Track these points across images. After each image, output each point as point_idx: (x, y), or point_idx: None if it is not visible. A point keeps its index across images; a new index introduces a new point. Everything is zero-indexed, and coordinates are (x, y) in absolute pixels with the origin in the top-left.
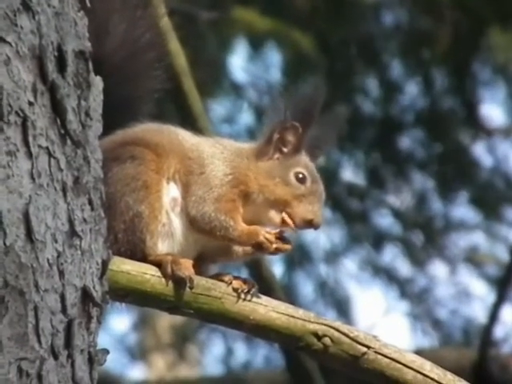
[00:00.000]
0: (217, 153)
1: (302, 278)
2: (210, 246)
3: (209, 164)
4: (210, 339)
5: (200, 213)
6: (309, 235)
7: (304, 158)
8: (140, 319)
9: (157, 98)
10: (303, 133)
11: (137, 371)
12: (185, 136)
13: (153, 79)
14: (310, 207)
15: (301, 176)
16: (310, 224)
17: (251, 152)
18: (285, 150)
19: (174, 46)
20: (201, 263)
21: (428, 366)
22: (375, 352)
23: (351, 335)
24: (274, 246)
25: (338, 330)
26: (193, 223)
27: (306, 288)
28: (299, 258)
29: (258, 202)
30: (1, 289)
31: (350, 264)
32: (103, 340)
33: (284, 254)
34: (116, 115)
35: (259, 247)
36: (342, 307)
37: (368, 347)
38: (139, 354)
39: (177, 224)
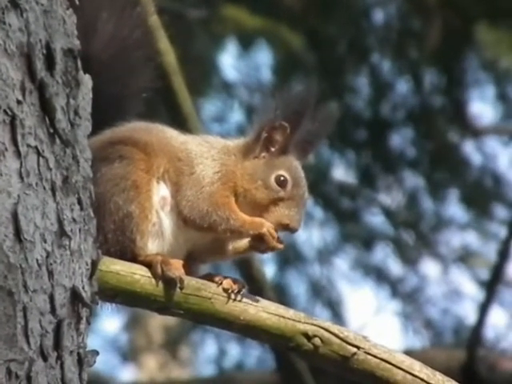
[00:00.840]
0: (204, 151)
1: (293, 278)
2: (200, 245)
3: (198, 164)
4: (203, 340)
5: (195, 211)
6: (300, 234)
7: (289, 159)
8: (131, 319)
9: (147, 97)
10: (291, 133)
11: (128, 372)
12: (173, 135)
13: (142, 78)
14: (286, 211)
15: (282, 179)
16: (285, 228)
17: (238, 149)
18: (272, 149)
19: (164, 44)
20: (191, 263)
21: (417, 367)
22: (365, 352)
23: (341, 335)
24: (274, 242)
25: (328, 331)
26: (188, 222)
27: (298, 287)
28: (291, 257)
29: (243, 204)
30: None
31: (341, 263)
32: (94, 341)
33: (276, 253)
34: (104, 114)
35: (260, 239)
36: (334, 307)
37: (358, 347)
38: (130, 354)
39: (167, 223)
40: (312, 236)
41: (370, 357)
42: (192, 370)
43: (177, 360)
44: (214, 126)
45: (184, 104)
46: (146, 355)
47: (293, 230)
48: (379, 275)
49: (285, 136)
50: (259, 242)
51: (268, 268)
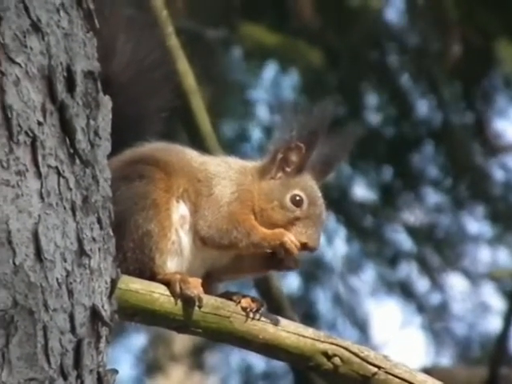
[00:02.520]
0: (222, 171)
1: (318, 294)
2: (218, 263)
3: (216, 185)
4: (228, 352)
5: (214, 230)
6: (325, 251)
7: (305, 179)
8: (157, 332)
9: (166, 118)
10: (307, 154)
11: None
12: (193, 155)
13: (161, 98)
14: (303, 230)
15: (298, 198)
16: (304, 248)
17: (255, 169)
18: (288, 169)
19: (183, 65)
20: (209, 282)
21: None
22: (386, 372)
23: (361, 355)
24: (296, 251)
25: (348, 350)
26: (208, 242)
27: (323, 304)
28: (315, 273)
29: (261, 224)
30: (10, 308)
31: (365, 279)
32: (119, 354)
33: (301, 270)
34: (124, 134)
35: (283, 248)
36: (359, 322)
37: (379, 367)
38: (155, 366)
39: (186, 241)
40: (336, 253)
41: (391, 377)
42: (217, 381)
43: (202, 371)
44: (235, 145)
45: (202, 124)
46: (172, 366)
47: (311, 249)
48: (404, 291)
49: (300, 156)
50: (283, 252)
51: (292, 284)
